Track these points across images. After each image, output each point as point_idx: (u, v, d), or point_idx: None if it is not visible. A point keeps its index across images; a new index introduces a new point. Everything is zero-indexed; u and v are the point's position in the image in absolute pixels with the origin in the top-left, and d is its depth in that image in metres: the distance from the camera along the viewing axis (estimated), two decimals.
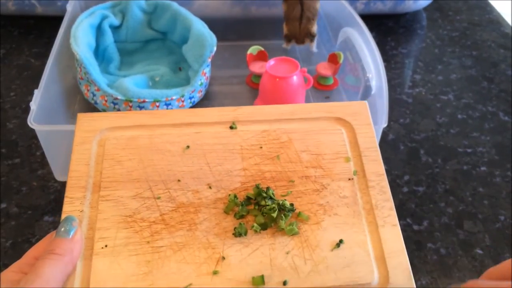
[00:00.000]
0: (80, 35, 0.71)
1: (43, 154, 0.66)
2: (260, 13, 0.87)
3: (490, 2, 1.02)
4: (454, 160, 0.69)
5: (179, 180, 0.48)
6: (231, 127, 0.51)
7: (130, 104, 0.69)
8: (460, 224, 0.61)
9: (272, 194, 0.47)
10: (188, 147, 0.50)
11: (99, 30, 0.75)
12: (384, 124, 0.59)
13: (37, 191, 0.63)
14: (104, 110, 0.70)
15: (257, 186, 0.47)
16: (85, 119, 0.52)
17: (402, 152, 0.70)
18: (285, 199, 0.46)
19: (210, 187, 0.47)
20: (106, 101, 0.69)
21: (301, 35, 0.79)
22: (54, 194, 0.62)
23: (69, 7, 0.77)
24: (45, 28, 0.90)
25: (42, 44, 0.86)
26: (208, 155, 0.49)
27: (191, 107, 0.73)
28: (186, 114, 0.52)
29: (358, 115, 0.52)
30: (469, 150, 0.70)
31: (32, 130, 0.58)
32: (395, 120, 0.74)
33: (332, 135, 0.51)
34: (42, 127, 0.58)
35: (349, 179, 0.48)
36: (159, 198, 0.47)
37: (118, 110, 0.69)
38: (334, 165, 0.49)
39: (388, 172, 0.67)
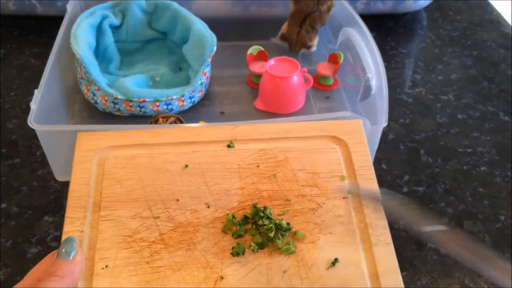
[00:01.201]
0: (80, 35, 0.71)
1: (43, 154, 0.66)
2: (260, 13, 0.87)
3: (490, 2, 1.02)
4: (454, 160, 0.69)
5: (177, 200, 0.48)
6: (228, 146, 0.52)
7: (130, 104, 0.69)
8: (460, 224, 0.61)
9: (269, 213, 0.47)
10: (186, 166, 0.51)
11: (99, 30, 0.75)
12: (384, 123, 0.59)
13: (37, 191, 0.63)
14: (104, 110, 0.71)
15: (254, 206, 0.47)
16: (84, 138, 0.52)
17: (402, 152, 0.70)
18: (282, 219, 0.47)
19: (208, 206, 0.48)
20: (106, 100, 0.69)
21: (297, 43, 0.79)
22: (54, 194, 0.62)
23: (69, 7, 0.77)
24: (45, 28, 0.90)
25: (42, 44, 0.86)
26: (206, 174, 0.50)
27: (191, 106, 0.73)
28: (185, 132, 0.53)
29: (353, 134, 0.53)
30: (469, 150, 0.70)
31: (32, 130, 0.58)
32: (395, 120, 0.74)
33: (327, 154, 0.52)
34: (42, 127, 0.58)
35: (344, 197, 0.49)
36: (158, 217, 0.47)
37: (119, 110, 0.69)
38: (329, 183, 0.50)
39: (388, 172, 0.67)
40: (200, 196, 0.49)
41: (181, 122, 0.65)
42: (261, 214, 0.47)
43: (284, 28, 0.80)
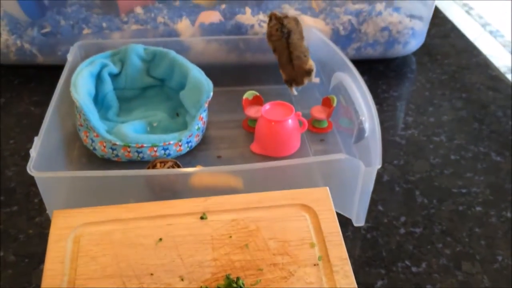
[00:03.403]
0: (80, 83, 0.72)
1: (41, 201, 0.66)
2: (255, 59, 0.90)
3: (477, 46, 1.06)
4: (449, 201, 0.69)
5: (152, 274, 0.49)
6: (201, 218, 0.53)
7: (129, 149, 0.70)
8: (458, 266, 0.61)
9: (242, 284, 0.48)
10: (160, 239, 0.52)
11: (98, 78, 0.77)
12: (378, 165, 0.60)
13: (34, 239, 0.63)
14: (102, 156, 0.71)
15: (227, 277, 0.48)
16: (60, 216, 0.53)
17: (397, 193, 0.71)
18: None
19: (182, 279, 0.48)
20: (104, 146, 0.70)
21: (298, 76, 0.81)
22: None
23: (70, 56, 0.79)
24: (45, 77, 0.92)
25: (42, 93, 0.88)
26: (180, 247, 0.51)
27: (189, 151, 0.74)
28: (159, 206, 0.54)
29: (321, 201, 0.55)
30: (463, 191, 0.71)
31: (31, 178, 0.58)
32: (389, 162, 0.76)
33: (297, 222, 0.53)
34: (41, 174, 0.59)
35: (315, 264, 0.50)
36: None
37: (117, 155, 0.70)
38: (300, 251, 0.51)
39: (384, 213, 0.67)
40: (174, 269, 0.49)
41: (179, 166, 0.66)
42: (234, 285, 0.47)
43: (283, 76, 0.82)
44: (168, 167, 0.65)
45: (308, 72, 0.80)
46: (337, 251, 0.51)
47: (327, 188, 0.56)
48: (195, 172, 0.61)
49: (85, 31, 0.89)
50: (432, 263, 0.61)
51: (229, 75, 0.87)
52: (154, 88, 0.83)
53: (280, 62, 0.81)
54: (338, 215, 0.65)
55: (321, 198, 0.55)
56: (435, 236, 0.64)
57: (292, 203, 0.55)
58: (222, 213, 0.54)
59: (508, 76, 0.97)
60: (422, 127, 0.83)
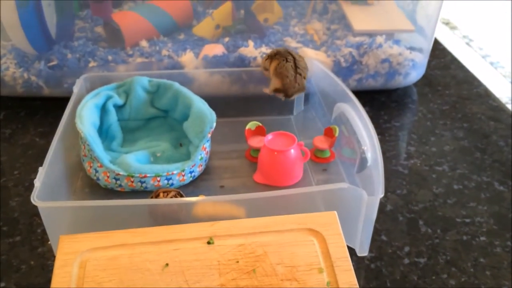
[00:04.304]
0: (85, 115, 0.73)
1: (43, 231, 0.66)
2: (258, 90, 0.91)
3: (477, 76, 1.07)
4: (453, 231, 0.69)
5: None
6: (208, 242, 0.53)
7: (132, 179, 0.70)
8: None
9: None
10: (167, 264, 0.51)
11: (103, 110, 0.79)
12: (381, 194, 0.60)
13: (36, 270, 0.62)
14: (106, 186, 0.72)
15: None
16: (66, 241, 0.52)
17: (401, 223, 0.70)
18: None
19: None
20: (108, 177, 0.70)
21: (295, 90, 0.82)
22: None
23: (76, 88, 0.81)
24: (50, 108, 0.93)
25: (47, 124, 0.89)
26: (186, 272, 0.50)
27: (192, 181, 0.74)
28: (165, 231, 0.54)
29: (329, 225, 0.54)
30: (467, 220, 0.71)
31: (34, 208, 0.59)
32: (392, 191, 0.75)
33: (305, 247, 0.52)
34: (44, 204, 0.59)
35: None
36: None
37: (120, 185, 0.71)
38: (308, 276, 0.50)
39: (388, 243, 0.67)
40: None
41: (181, 196, 0.66)
42: None
43: (275, 83, 0.82)
44: (171, 197, 0.65)
45: (302, 89, 0.83)
46: (346, 277, 0.49)
47: (335, 212, 0.56)
48: (197, 201, 0.61)
49: (91, 64, 0.90)
50: None
51: (232, 106, 0.88)
52: (158, 119, 0.85)
53: (277, 71, 0.81)
54: None
55: (329, 222, 0.54)
56: (440, 266, 0.64)
57: (300, 228, 0.54)
58: (229, 237, 0.53)
59: (509, 106, 0.98)
60: (424, 156, 0.83)
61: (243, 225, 0.54)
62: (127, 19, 0.95)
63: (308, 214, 0.55)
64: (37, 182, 0.60)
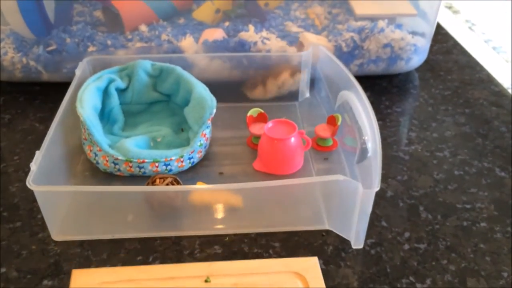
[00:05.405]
0: (86, 98, 0.73)
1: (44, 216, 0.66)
2: (259, 75, 0.90)
3: (479, 62, 1.06)
4: (453, 216, 0.69)
5: None
6: (206, 281, 0.58)
7: (130, 164, 0.70)
8: (464, 282, 0.60)
9: None
10: None
11: (105, 93, 0.78)
12: (376, 188, 0.59)
13: (37, 255, 0.63)
14: (105, 170, 0.72)
15: None
16: (79, 275, 0.58)
17: (401, 209, 0.70)
18: None
19: None
20: (107, 161, 0.70)
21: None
22: (54, 257, 0.62)
23: (78, 71, 0.80)
24: (50, 93, 0.93)
25: (47, 109, 0.89)
26: None
27: (191, 167, 0.74)
28: (168, 269, 0.60)
29: (310, 269, 0.60)
30: (468, 206, 0.71)
31: (34, 193, 0.59)
32: (393, 177, 0.75)
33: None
34: (39, 188, 0.59)
35: None
36: None
37: (119, 170, 0.71)
38: None
39: (388, 229, 0.67)
40: None
41: (178, 183, 0.66)
42: None
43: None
44: (168, 184, 0.65)
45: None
46: None
47: (316, 258, 0.61)
48: (193, 189, 0.61)
49: (90, 48, 0.90)
50: (437, 280, 0.60)
51: (233, 92, 0.87)
52: (160, 103, 0.84)
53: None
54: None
55: (311, 266, 0.60)
56: (440, 252, 0.64)
57: (286, 270, 0.59)
58: (225, 277, 0.58)
59: (511, 91, 0.97)
60: (425, 142, 0.83)
61: (238, 266, 0.60)
62: (126, 4, 0.93)
63: (294, 258, 0.61)
64: (33, 166, 0.60)
